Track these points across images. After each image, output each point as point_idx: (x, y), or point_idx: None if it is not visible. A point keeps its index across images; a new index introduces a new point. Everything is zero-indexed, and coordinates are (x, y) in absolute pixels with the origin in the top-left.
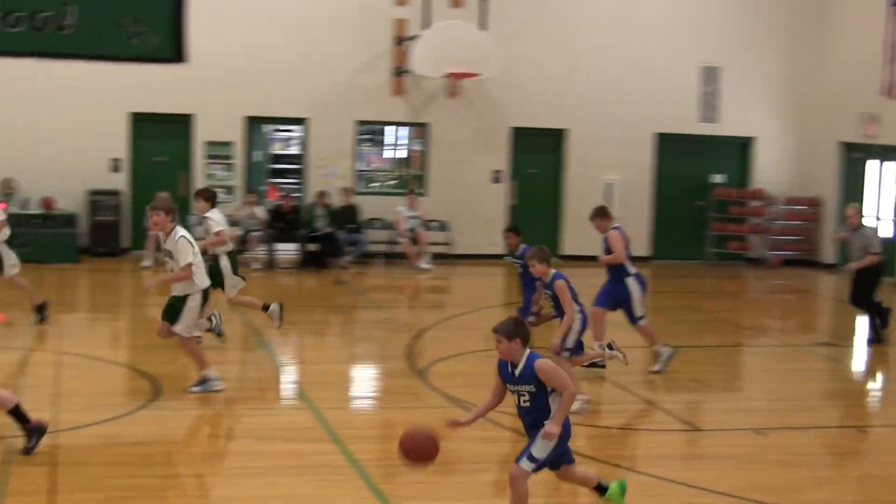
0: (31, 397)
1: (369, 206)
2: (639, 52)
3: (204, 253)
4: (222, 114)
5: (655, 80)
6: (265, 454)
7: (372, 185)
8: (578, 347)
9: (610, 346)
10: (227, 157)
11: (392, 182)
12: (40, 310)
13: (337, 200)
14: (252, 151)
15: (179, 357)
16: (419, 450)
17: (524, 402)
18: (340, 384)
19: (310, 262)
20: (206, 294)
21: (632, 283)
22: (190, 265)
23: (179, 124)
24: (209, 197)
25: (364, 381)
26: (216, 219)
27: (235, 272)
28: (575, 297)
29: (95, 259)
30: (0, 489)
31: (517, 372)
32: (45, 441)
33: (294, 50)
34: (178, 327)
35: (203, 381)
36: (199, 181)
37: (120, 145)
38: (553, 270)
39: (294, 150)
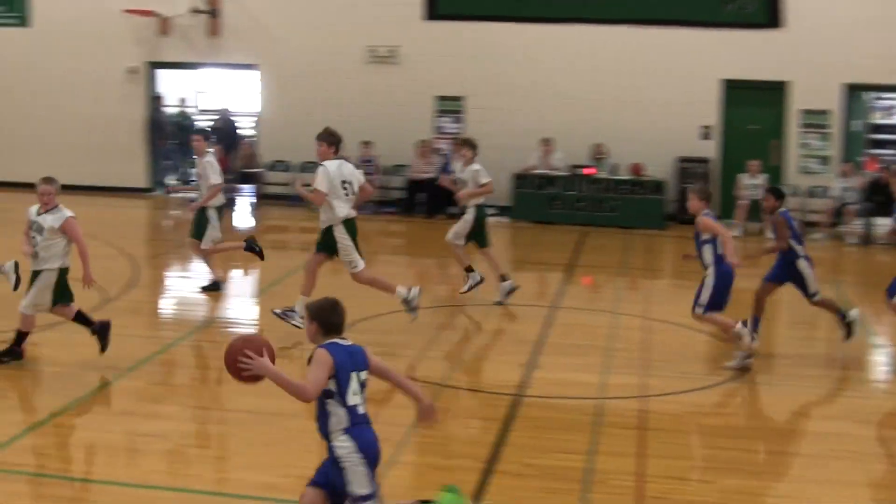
0: (618, 360)
1: None
2: None
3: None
4: (819, 81)
5: None
6: (858, 438)
7: None
8: (716, 305)
9: (745, 323)
10: (824, 126)
11: None
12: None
13: None
14: (851, 121)
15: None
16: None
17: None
18: None
19: None
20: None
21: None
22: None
23: (773, 91)
24: (473, 146)
25: None
26: (482, 169)
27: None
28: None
29: (682, 226)
30: (592, 448)
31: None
32: (634, 406)
33: None
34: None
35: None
36: (793, 150)
37: (711, 112)
38: (706, 210)
39: None
